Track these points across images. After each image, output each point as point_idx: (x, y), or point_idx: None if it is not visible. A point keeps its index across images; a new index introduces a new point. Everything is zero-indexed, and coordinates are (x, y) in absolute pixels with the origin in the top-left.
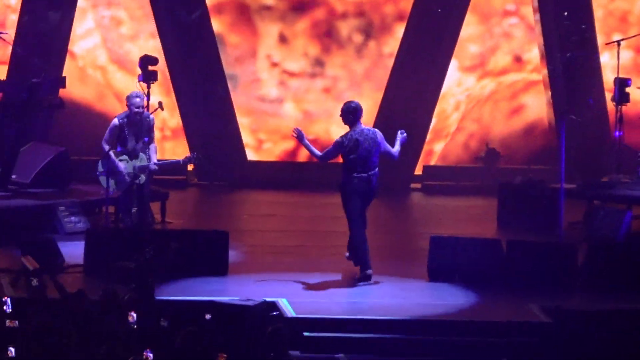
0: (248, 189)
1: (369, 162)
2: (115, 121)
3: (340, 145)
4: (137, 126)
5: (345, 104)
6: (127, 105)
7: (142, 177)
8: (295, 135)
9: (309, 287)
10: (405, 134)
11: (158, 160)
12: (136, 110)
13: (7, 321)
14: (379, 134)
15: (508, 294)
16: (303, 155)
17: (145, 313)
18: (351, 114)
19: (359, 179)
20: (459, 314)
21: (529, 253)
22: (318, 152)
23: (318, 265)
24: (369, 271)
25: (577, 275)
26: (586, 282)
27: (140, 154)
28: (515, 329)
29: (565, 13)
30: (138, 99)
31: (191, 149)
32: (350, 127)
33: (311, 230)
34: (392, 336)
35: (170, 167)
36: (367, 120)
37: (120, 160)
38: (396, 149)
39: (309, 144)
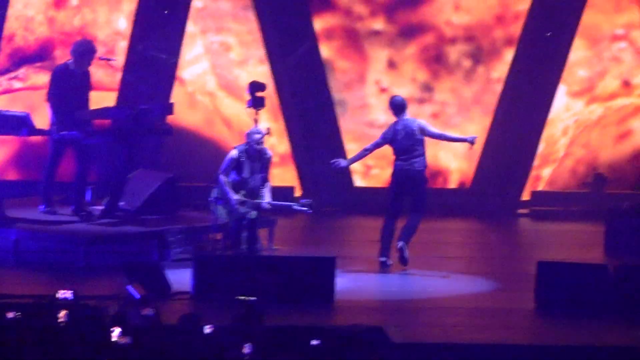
0: (355, 215)
1: (410, 150)
2: (234, 153)
3: (383, 136)
4: (254, 159)
5: (390, 98)
6: (246, 138)
7: (254, 214)
8: (336, 166)
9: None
10: (475, 138)
11: (272, 199)
12: (255, 145)
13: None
14: (419, 122)
15: (616, 319)
16: None
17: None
18: (391, 107)
19: (398, 166)
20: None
21: (638, 278)
22: (366, 147)
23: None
24: (382, 258)
25: None
26: None
27: (255, 190)
28: (623, 355)
29: None
30: (258, 136)
31: (300, 176)
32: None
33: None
34: None
35: (282, 209)
36: (477, 146)
37: (235, 196)
38: (454, 135)
39: (354, 157)
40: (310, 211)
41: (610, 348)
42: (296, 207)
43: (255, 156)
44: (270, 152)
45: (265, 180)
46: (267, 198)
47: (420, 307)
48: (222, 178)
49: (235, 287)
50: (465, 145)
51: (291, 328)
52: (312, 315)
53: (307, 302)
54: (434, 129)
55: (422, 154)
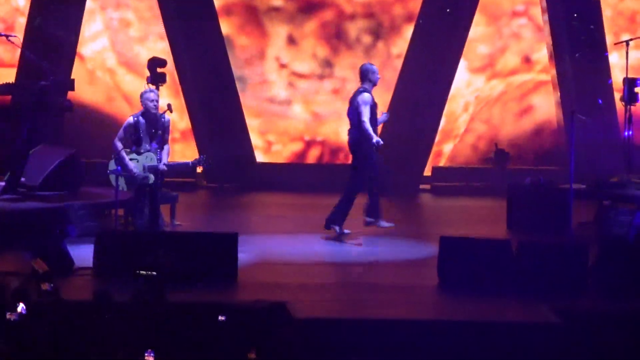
0: (257, 191)
1: (350, 118)
2: (130, 119)
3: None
4: (151, 125)
5: None
6: (141, 103)
7: (151, 177)
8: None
9: (319, 288)
10: (387, 115)
11: (168, 162)
12: (149, 103)
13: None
14: (357, 95)
15: (518, 295)
16: (312, 157)
17: (157, 315)
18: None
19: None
20: (469, 314)
21: (539, 253)
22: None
23: (326, 268)
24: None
25: (588, 275)
26: (597, 282)
27: (151, 154)
28: (524, 330)
29: (575, 15)
30: (152, 94)
31: (200, 152)
32: None
33: (318, 231)
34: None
35: (179, 169)
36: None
37: (131, 159)
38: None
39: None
40: (207, 166)
41: (511, 324)
42: (192, 163)
43: (152, 120)
44: (167, 117)
45: (163, 143)
46: (164, 160)
47: (323, 283)
48: (118, 144)
49: (137, 264)
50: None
51: (193, 304)
52: (215, 291)
53: (210, 278)
54: (361, 109)
55: (354, 123)
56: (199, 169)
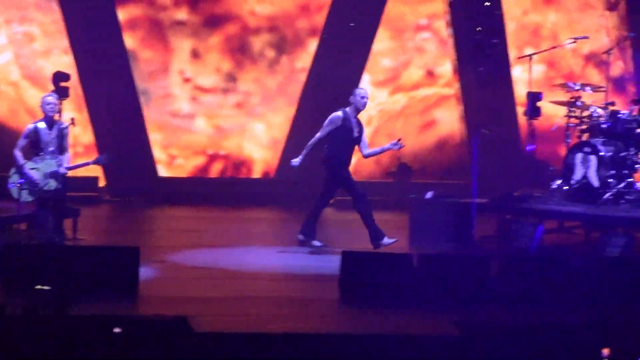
0: (160, 205)
1: None
2: (30, 125)
3: None
4: (51, 131)
5: None
6: (40, 108)
7: (52, 183)
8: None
9: (221, 302)
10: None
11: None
12: (47, 107)
13: None
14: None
15: (419, 307)
16: (214, 171)
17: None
18: None
19: None
20: (369, 327)
21: (441, 266)
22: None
23: (231, 282)
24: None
25: (490, 288)
26: (499, 295)
27: (51, 160)
28: (425, 342)
29: (479, 28)
30: (50, 97)
31: (104, 168)
32: None
33: (224, 245)
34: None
35: (81, 168)
36: (280, 135)
37: (32, 168)
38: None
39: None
40: (106, 162)
41: (411, 336)
42: (94, 161)
43: (51, 126)
44: (66, 123)
45: (63, 150)
46: (64, 164)
47: (227, 296)
48: (18, 155)
49: (40, 277)
50: (271, 133)
51: (90, 317)
52: (116, 305)
53: (111, 292)
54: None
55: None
56: (102, 183)
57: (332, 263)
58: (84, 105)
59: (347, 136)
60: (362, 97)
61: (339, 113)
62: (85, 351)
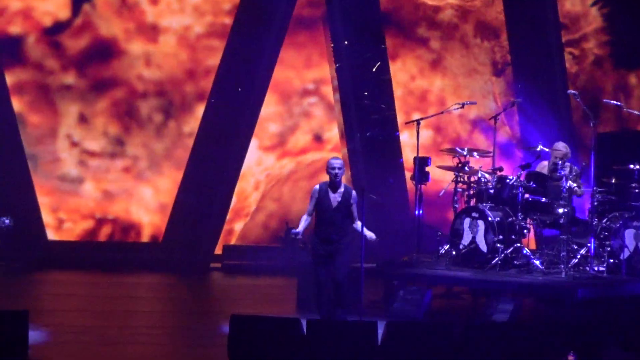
0: (48, 269)
1: None
2: None
3: None
4: None
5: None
6: None
7: None
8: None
9: None
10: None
11: None
12: None
13: None
14: None
15: None
16: (103, 235)
17: None
18: None
19: None
20: None
21: (330, 331)
22: None
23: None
24: None
25: (377, 353)
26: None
27: None
28: None
29: (366, 93)
30: None
31: None
32: None
33: (111, 310)
34: None
35: None
36: (168, 199)
37: None
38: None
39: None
40: (10, 224)
41: None
42: None
43: None
44: None
45: None
46: None
47: None
48: None
49: None
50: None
51: None
52: None
53: (0, 356)
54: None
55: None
56: None
57: (213, 327)
58: None
59: (325, 207)
60: (328, 167)
61: (316, 186)
62: None
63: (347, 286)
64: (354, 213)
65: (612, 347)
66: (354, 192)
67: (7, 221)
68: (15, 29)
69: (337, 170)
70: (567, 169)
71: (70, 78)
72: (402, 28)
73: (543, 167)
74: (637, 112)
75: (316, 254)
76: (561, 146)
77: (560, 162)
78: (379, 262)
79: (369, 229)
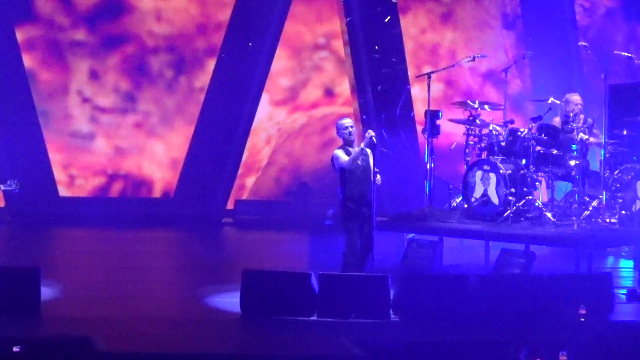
0: (60, 226)
1: None
2: None
3: None
4: None
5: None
6: None
7: None
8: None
9: (123, 323)
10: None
11: None
12: None
13: None
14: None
15: (321, 327)
16: (115, 191)
17: None
18: None
19: None
20: (270, 347)
21: (342, 286)
22: None
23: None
24: None
25: (390, 306)
26: (399, 313)
27: None
28: None
29: (377, 47)
30: None
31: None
32: None
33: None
34: None
35: None
36: (179, 154)
37: None
38: None
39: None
40: (17, 190)
41: (313, 357)
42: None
43: None
44: None
45: None
46: None
47: (128, 317)
48: None
49: None
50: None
51: None
52: (18, 325)
53: (13, 312)
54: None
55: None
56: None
57: (226, 282)
58: None
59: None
60: (340, 129)
61: (337, 150)
62: None
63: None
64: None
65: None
66: (369, 150)
67: (13, 185)
68: None
69: (350, 129)
70: (581, 121)
71: (80, 34)
72: None
73: (556, 122)
74: None
75: (355, 214)
76: (575, 97)
77: (572, 114)
78: (392, 215)
79: (381, 183)
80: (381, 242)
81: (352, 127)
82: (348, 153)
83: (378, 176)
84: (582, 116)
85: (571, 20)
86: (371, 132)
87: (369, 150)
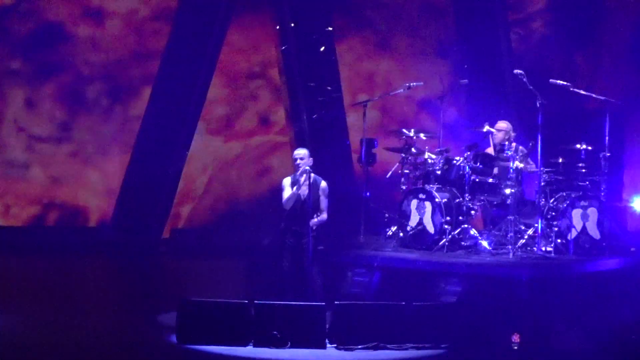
0: None
1: None
2: None
3: None
4: None
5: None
6: None
7: None
8: None
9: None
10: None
11: None
12: None
13: None
14: None
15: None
16: (51, 220)
17: None
18: None
19: None
20: None
21: (278, 314)
22: None
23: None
24: None
25: (326, 335)
26: (335, 341)
27: None
28: None
29: (312, 75)
30: None
31: None
32: None
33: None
34: None
35: None
36: (116, 183)
37: None
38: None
39: None
40: None
41: None
42: None
43: None
44: None
45: None
46: None
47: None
48: None
49: None
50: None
51: None
52: None
53: None
54: None
55: None
56: None
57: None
58: None
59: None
60: (294, 159)
61: (285, 178)
62: None
63: (313, 273)
64: (322, 204)
65: (558, 326)
66: (323, 183)
67: None
68: None
69: (298, 161)
70: (512, 148)
71: (16, 63)
72: (348, 9)
73: (491, 150)
74: (583, 92)
75: (285, 244)
76: (503, 124)
77: (506, 142)
78: (327, 245)
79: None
80: (317, 271)
81: (301, 158)
82: (295, 183)
83: (315, 218)
84: (514, 144)
85: (507, 48)
86: (307, 166)
87: (303, 179)
